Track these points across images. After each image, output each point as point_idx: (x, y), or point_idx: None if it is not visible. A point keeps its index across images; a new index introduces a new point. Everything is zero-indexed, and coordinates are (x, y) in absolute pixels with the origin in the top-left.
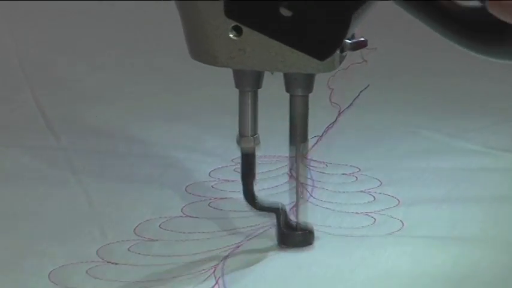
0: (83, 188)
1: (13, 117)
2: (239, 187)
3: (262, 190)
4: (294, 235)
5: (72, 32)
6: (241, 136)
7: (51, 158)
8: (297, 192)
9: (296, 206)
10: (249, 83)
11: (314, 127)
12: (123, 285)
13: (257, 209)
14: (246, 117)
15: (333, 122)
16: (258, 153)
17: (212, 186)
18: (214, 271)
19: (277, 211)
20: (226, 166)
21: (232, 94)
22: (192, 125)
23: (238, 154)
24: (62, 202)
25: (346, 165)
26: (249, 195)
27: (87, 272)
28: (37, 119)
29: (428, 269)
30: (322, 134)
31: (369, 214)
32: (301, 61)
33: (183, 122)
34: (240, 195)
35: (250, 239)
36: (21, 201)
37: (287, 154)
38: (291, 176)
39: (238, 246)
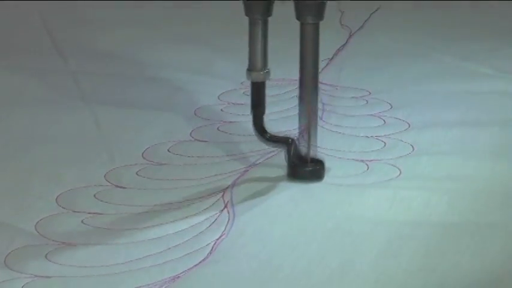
0: (91, 112)
1: (21, 40)
2: (249, 111)
3: (272, 113)
4: (304, 167)
5: None
6: (251, 69)
7: (59, 81)
8: (309, 126)
9: (308, 140)
10: (259, 10)
11: (324, 50)
12: (131, 209)
13: (266, 141)
14: (256, 49)
15: (344, 45)
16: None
17: (221, 110)
18: (223, 195)
19: (287, 143)
20: (236, 89)
21: (243, 17)
22: (201, 47)
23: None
24: (70, 125)
25: (357, 88)
26: (259, 128)
27: (95, 196)
28: (45, 42)
29: (437, 193)
30: (333, 56)
31: (379, 138)
32: None
33: (192, 44)
34: (249, 119)
35: (259, 163)
36: (29, 124)
37: (297, 78)
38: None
39: (246, 171)
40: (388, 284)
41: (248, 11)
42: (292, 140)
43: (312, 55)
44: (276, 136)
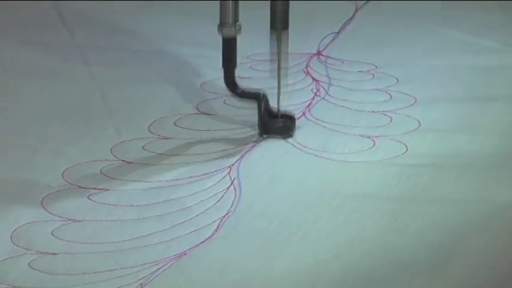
0: (97, 85)
1: (28, 13)
2: (255, 84)
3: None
4: (274, 123)
5: None
6: (222, 24)
7: (65, 55)
8: (278, 80)
9: (278, 93)
10: None
11: (330, 23)
12: (137, 184)
13: (238, 96)
14: (227, 6)
15: (350, 18)
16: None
17: None
18: (229, 172)
19: (258, 98)
20: (242, 63)
21: None
22: (207, 21)
23: (254, 51)
24: (76, 99)
25: (363, 62)
26: (230, 82)
27: (101, 171)
28: (52, 16)
29: (444, 170)
30: (339, 30)
31: (386, 113)
32: None
33: (198, 18)
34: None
35: (266, 137)
36: (35, 99)
37: (303, 52)
38: (306, 73)
39: (253, 146)
40: (394, 260)
41: None
42: (264, 95)
43: (283, 13)
44: (247, 91)
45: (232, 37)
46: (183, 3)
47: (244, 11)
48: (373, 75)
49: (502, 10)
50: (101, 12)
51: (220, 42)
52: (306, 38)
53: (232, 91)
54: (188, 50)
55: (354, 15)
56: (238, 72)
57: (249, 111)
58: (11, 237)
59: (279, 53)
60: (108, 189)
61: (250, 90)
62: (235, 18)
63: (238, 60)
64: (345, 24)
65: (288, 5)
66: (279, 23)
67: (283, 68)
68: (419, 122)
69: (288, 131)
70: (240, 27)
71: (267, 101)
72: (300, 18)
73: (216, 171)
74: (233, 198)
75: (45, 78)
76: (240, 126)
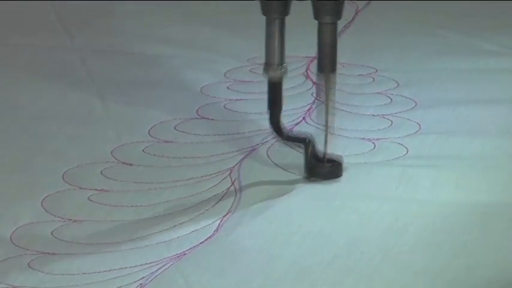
0: (97, 89)
1: (27, 16)
2: (255, 88)
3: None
4: (321, 167)
5: None
6: (267, 65)
7: (65, 59)
8: (326, 125)
9: (325, 138)
10: (276, 10)
11: None
12: (137, 186)
13: (284, 139)
14: (273, 46)
15: (350, 22)
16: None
17: (228, 88)
18: (230, 173)
19: (304, 142)
20: (242, 66)
21: None
22: (208, 24)
23: (254, 54)
24: (76, 103)
25: (363, 65)
26: (276, 125)
27: (101, 172)
28: (51, 19)
29: (444, 172)
30: (339, 33)
31: (386, 116)
32: None
33: (199, 21)
34: (256, 97)
35: (266, 141)
36: (35, 101)
37: (303, 55)
38: (307, 77)
39: (254, 149)
40: (394, 261)
41: (265, 11)
42: (310, 139)
43: (331, 55)
44: (293, 136)
45: (277, 79)
46: (184, 5)
47: (244, 13)
48: (374, 79)
49: (501, 13)
50: (100, 15)
51: (221, 44)
52: (305, 40)
53: (278, 134)
54: (189, 53)
55: (353, 18)
56: (238, 76)
57: (249, 116)
58: (10, 237)
59: (326, 98)
60: (108, 190)
61: (297, 134)
62: (282, 60)
63: (239, 63)
64: (345, 27)
65: (336, 42)
66: (327, 65)
67: (330, 113)
68: (419, 125)
69: (334, 174)
70: (286, 69)
71: (313, 144)
72: (299, 20)
73: (216, 173)
74: (233, 199)
75: (45, 81)
76: (240, 130)
